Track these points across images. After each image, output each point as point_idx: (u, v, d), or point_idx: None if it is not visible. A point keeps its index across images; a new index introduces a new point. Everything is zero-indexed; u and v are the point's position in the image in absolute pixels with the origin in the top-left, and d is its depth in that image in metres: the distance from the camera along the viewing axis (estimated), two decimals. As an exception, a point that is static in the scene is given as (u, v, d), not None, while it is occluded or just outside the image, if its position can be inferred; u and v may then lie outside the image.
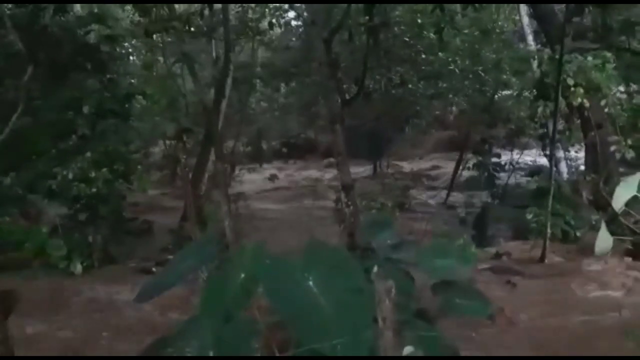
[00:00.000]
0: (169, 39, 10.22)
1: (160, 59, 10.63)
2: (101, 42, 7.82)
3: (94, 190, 7.26)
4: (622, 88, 7.10)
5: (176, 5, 9.74)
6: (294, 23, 15.29)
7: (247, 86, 14.59)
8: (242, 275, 2.76)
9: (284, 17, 14.00)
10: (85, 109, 7.65)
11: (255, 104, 18.70)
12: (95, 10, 8.23)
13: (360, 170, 16.48)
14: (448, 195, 13.89)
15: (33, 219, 7.83)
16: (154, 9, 9.61)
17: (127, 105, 8.36)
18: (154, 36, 9.82)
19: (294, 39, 16.55)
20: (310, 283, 2.51)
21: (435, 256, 3.26)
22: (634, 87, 7.91)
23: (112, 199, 7.71)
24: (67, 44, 7.94)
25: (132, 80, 9.37)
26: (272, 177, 15.48)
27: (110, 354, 4.19)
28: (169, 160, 13.21)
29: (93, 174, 7.28)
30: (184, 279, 3.41)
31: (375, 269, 2.09)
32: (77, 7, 8.68)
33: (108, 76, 8.29)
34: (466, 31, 12.58)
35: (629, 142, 6.93)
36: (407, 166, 17.22)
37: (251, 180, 17.36)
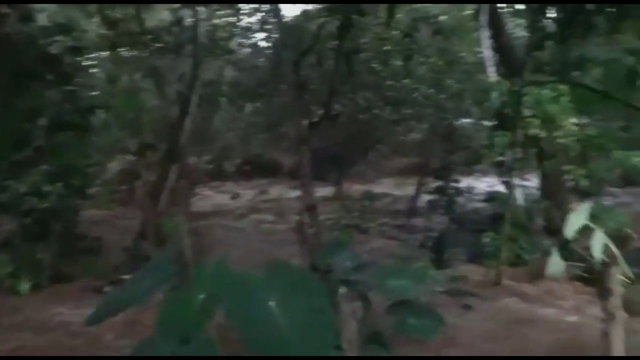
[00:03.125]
0: (136, 53, 10.11)
1: (126, 72, 10.48)
2: (65, 53, 7.66)
3: (46, 204, 7.01)
4: (575, 120, 7.44)
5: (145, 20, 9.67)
6: (263, 44, 15.42)
7: (212, 104, 14.52)
8: (201, 295, 2.72)
9: (253, 38, 14.13)
10: (43, 121, 7.44)
11: (220, 122, 18.61)
12: (61, 21, 8.08)
13: (323, 191, 16.54)
14: (408, 218, 14.09)
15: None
16: (122, 22, 9.52)
17: (87, 118, 8.17)
18: (121, 49, 9.70)
19: (262, 59, 16.66)
20: (272, 303, 2.50)
21: (391, 277, 3.31)
22: (586, 119, 8.31)
23: (66, 215, 7.46)
24: (29, 54, 7.74)
25: (95, 93, 9.19)
26: (235, 196, 15.35)
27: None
28: (129, 176, 12.92)
29: (47, 188, 7.04)
30: (140, 299, 3.32)
31: (341, 290, 2.11)
32: (43, 16, 8.51)
33: (69, 88, 8.10)
34: (431, 59, 13.00)
35: (582, 172, 7.26)
36: (369, 189, 17.38)
37: (213, 198, 17.16)
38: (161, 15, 15.49)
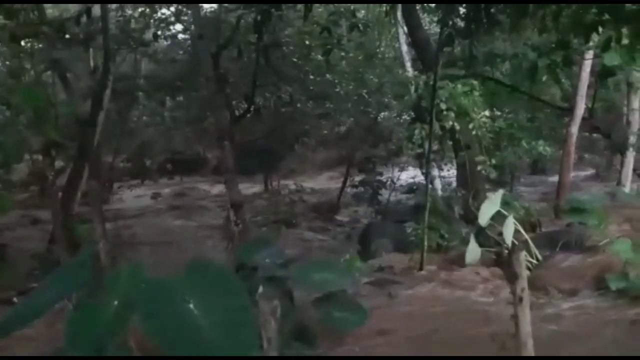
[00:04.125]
0: (40, 45, 9.40)
1: (28, 66, 9.71)
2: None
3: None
4: (487, 113, 7.84)
5: (48, 9, 8.99)
6: (180, 36, 14.89)
7: (128, 98, 13.85)
8: (116, 302, 2.56)
9: (170, 30, 13.60)
10: None
11: (137, 117, 17.82)
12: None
13: (251, 187, 16.36)
14: (335, 211, 14.30)
15: None
16: (23, 12, 8.79)
17: (-14, 116, 7.49)
18: (22, 42, 8.97)
19: (181, 52, 16.10)
20: (191, 305, 2.40)
21: (314, 271, 3.31)
22: (497, 112, 8.81)
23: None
24: None
25: (-6, 88, 8.44)
26: (155, 196, 14.77)
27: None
28: (36, 177, 12.03)
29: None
30: (49, 308, 3.08)
31: (260, 289, 2.06)
32: None
33: (-37, 82, 7.38)
34: (351, 54, 13.19)
35: (493, 161, 7.68)
36: (296, 183, 17.43)
37: (132, 197, 16.43)
38: (67, 5, 14.52)
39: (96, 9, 9.55)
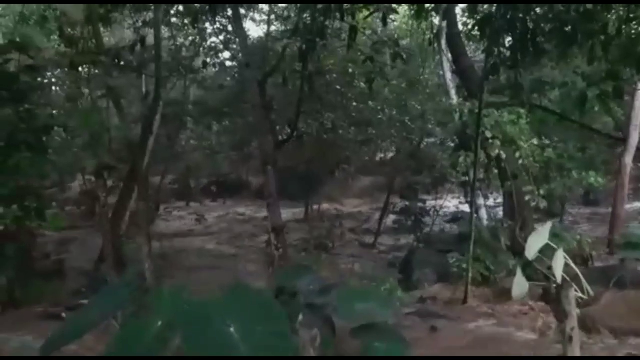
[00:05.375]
0: (96, 72, 9.91)
1: (86, 91, 10.25)
2: (21, 71, 7.42)
3: (1, 227, 6.70)
4: (535, 141, 7.65)
5: (105, 38, 9.49)
6: (228, 64, 15.39)
7: (177, 123, 14.33)
8: (159, 322, 2.60)
9: (218, 58, 14.08)
10: (-3, 141, 7.13)
11: (185, 141, 18.37)
12: (17, 39, 7.85)
13: (292, 211, 16.46)
14: (376, 238, 14.13)
15: None
16: (82, 41, 9.32)
17: (44, 138, 7.89)
18: (80, 68, 9.48)
19: (228, 78, 16.60)
20: (232, 329, 2.40)
21: (356, 300, 3.25)
22: (546, 141, 8.58)
23: (21, 238, 7.14)
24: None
25: (53, 112, 8.91)
26: (200, 219, 15.05)
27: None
28: (87, 197, 12.55)
29: (1, 210, 6.73)
30: (95, 326, 3.16)
31: (301, 317, 2.04)
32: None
33: (26, 107, 7.83)
34: (394, 82, 13.22)
35: (542, 192, 7.45)
36: (336, 209, 17.40)
37: (178, 219, 16.81)
38: (123, 34, 15.31)
39: (150, 38, 10.03)
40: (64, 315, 6.24)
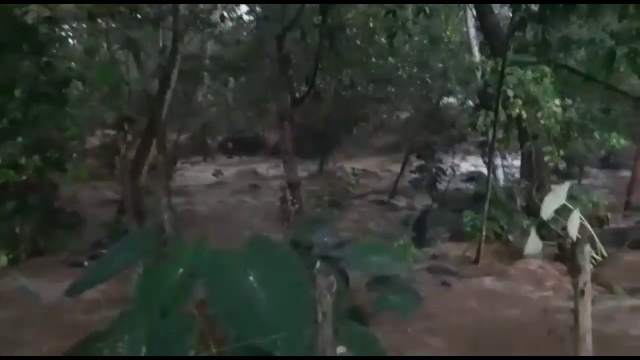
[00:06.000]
0: (114, 25, 9.83)
1: (104, 44, 10.20)
2: (40, 23, 7.40)
3: (23, 178, 6.87)
4: (558, 102, 7.47)
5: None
6: (246, 18, 15.13)
7: (194, 78, 14.27)
8: (181, 270, 2.69)
9: (236, 12, 13.84)
10: (18, 93, 7.20)
11: (202, 97, 18.34)
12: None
13: (307, 168, 16.53)
14: (391, 196, 14.17)
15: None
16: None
17: (64, 91, 7.95)
18: (99, 20, 9.41)
19: (245, 33, 16.35)
20: (251, 278, 2.49)
21: (370, 254, 3.32)
22: (569, 101, 8.36)
23: (43, 188, 7.32)
24: (4, 24, 7.45)
25: (72, 65, 8.93)
26: (217, 173, 15.22)
27: (33, 352, 3.96)
28: (108, 150, 12.73)
29: (23, 161, 6.88)
30: (118, 273, 3.30)
31: (318, 264, 2.10)
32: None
33: (45, 59, 7.85)
34: (416, 38, 12.90)
35: (562, 153, 7.34)
36: (353, 167, 17.42)
37: (194, 174, 17.01)
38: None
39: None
40: (86, 263, 6.48)
